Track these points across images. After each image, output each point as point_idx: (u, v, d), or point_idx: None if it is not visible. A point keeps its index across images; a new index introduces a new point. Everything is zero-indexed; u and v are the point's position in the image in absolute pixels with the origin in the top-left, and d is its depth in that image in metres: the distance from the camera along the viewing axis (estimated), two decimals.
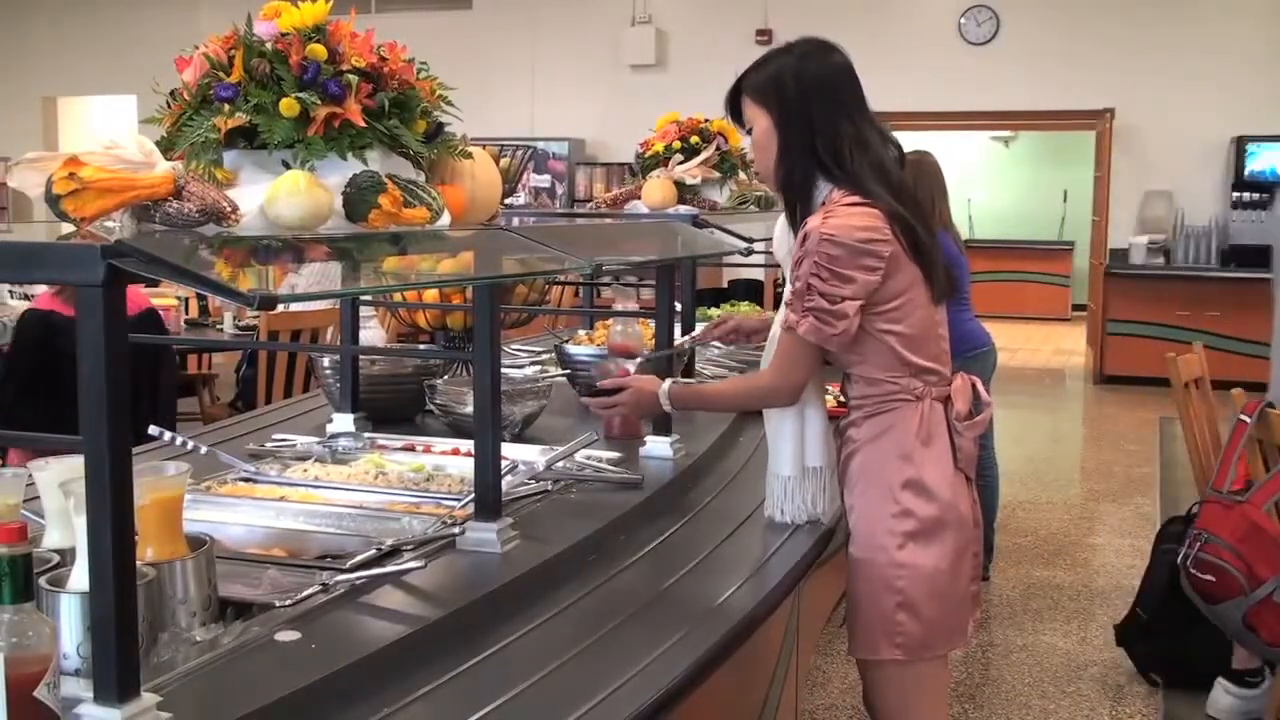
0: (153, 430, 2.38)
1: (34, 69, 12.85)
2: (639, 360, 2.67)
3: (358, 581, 1.79)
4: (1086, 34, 10.35)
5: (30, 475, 1.64)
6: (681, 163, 3.74)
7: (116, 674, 1.26)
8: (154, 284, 2.71)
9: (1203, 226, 10.10)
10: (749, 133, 2.27)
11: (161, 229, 1.54)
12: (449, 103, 1.96)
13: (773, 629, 2.30)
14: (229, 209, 1.57)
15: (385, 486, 2.39)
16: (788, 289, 2.21)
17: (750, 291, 8.93)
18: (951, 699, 3.70)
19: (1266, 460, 3.41)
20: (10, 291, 6.60)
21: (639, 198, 3.73)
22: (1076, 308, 14.20)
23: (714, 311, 2.75)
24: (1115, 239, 10.36)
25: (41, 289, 4.85)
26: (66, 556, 1.53)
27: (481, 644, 1.72)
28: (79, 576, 1.39)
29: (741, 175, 3.94)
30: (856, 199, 2.13)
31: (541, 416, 2.99)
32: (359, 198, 1.72)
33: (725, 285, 9.99)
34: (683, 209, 3.64)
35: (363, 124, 1.75)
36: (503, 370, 2.28)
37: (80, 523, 1.32)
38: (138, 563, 1.35)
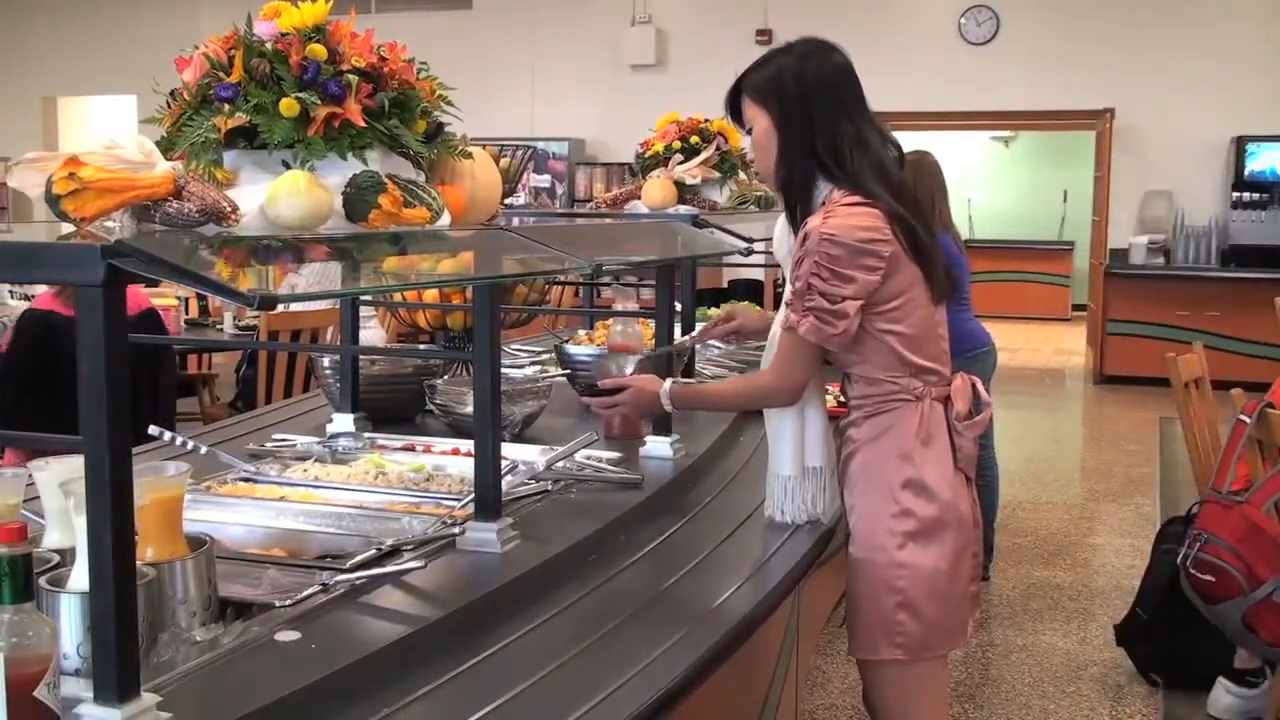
0: (153, 430, 2.38)
1: (34, 69, 12.85)
2: (638, 359, 2.67)
3: (358, 581, 1.79)
4: (1086, 34, 10.35)
5: (30, 475, 1.64)
6: (681, 163, 3.74)
7: (116, 674, 1.26)
8: (154, 284, 2.71)
9: (1203, 226, 10.10)
10: (749, 133, 2.27)
11: (161, 229, 1.54)
12: (449, 103, 1.96)
13: (773, 629, 2.30)
14: (229, 209, 1.57)
15: (385, 486, 2.39)
16: (788, 289, 2.21)
17: (750, 291, 8.93)
18: (951, 699, 3.70)
19: (1266, 460, 3.41)
20: (10, 291, 6.60)
21: (639, 198, 3.73)
22: (1076, 308, 14.20)
23: (714, 311, 2.75)
24: (1115, 239, 10.36)
25: (41, 289, 4.85)
26: (66, 556, 1.53)
27: (481, 644, 1.72)
28: (79, 576, 1.39)
29: (741, 175, 3.94)
30: (857, 199, 2.13)
31: (541, 416, 2.99)
32: (359, 198, 1.72)
33: (725, 285, 10.00)
34: (683, 209, 3.64)
35: (363, 124, 1.75)
36: (503, 370, 2.28)
37: (80, 523, 1.32)
38: (138, 563, 1.35)
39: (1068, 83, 10.34)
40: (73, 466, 1.52)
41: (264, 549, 2.06)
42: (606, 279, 4.12)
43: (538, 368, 3.63)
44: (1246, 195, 10.03)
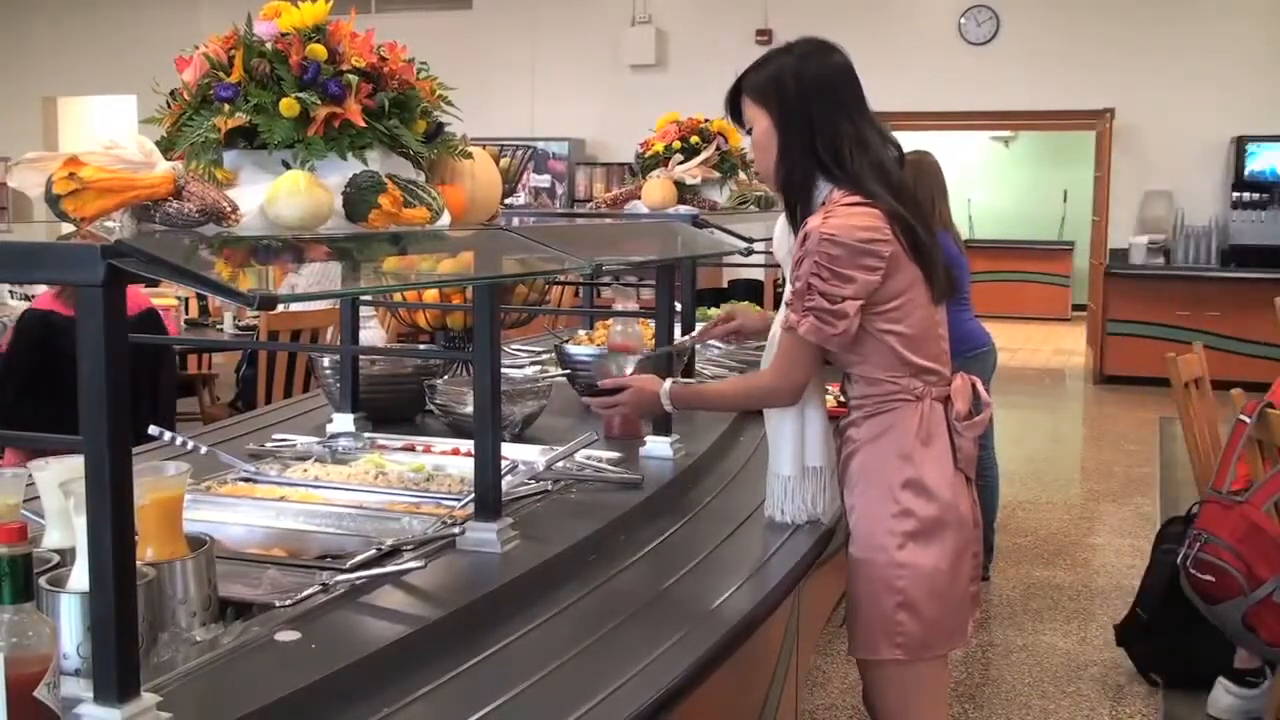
0: (153, 430, 2.38)
1: (34, 69, 12.85)
2: (638, 359, 2.67)
3: (358, 581, 1.79)
4: (1086, 34, 10.35)
5: (30, 475, 1.64)
6: (681, 163, 3.74)
7: (116, 674, 1.26)
8: (154, 284, 2.71)
9: (1203, 226, 10.10)
10: (749, 133, 2.27)
11: (161, 229, 1.54)
12: (449, 103, 1.96)
13: (773, 629, 2.30)
14: (229, 209, 1.57)
15: (385, 486, 2.39)
16: (788, 289, 2.21)
17: (750, 291, 8.93)
18: (951, 699, 3.70)
19: (1266, 460, 3.41)
20: (10, 291, 6.60)
21: (639, 198, 3.73)
22: (1076, 308, 14.20)
23: (713, 311, 2.75)
24: (1115, 239, 10.36)
25: (41, 289, 4.85)
26: (66, 556, 1.53)
27: (481, 644, 1.72)
28: (79, 576, 1.39)
29: (741, 175, 3.94)
30: (857, 199, 2.13)
31: (541, 416, 2.99)
32: (359, 198, 1.72)
33: (725, 285, 10.00)
34: (683, 209, 3.64)
35: (363, 124, 1.75)
36: (503, 370, 2.28)
37: (80, 523, 1.32)
38: (138, 563, 1.35)
39: (1068, 83, 10.34)
40: (73, 466, 1.52)
41: (264, 549, 2.06)
42: (606, 279, 4.12)
43: (538, 368, 3.63)
44: (1246, 195, 10.03)
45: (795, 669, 2.65)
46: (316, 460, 2.59)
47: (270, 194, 1.65)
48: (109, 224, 1.51)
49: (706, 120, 3.92)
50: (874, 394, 2.21)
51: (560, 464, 2.47)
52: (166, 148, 1.73)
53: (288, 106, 1.70)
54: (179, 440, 2.43)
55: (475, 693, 1.57)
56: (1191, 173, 10.24)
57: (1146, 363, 8.93)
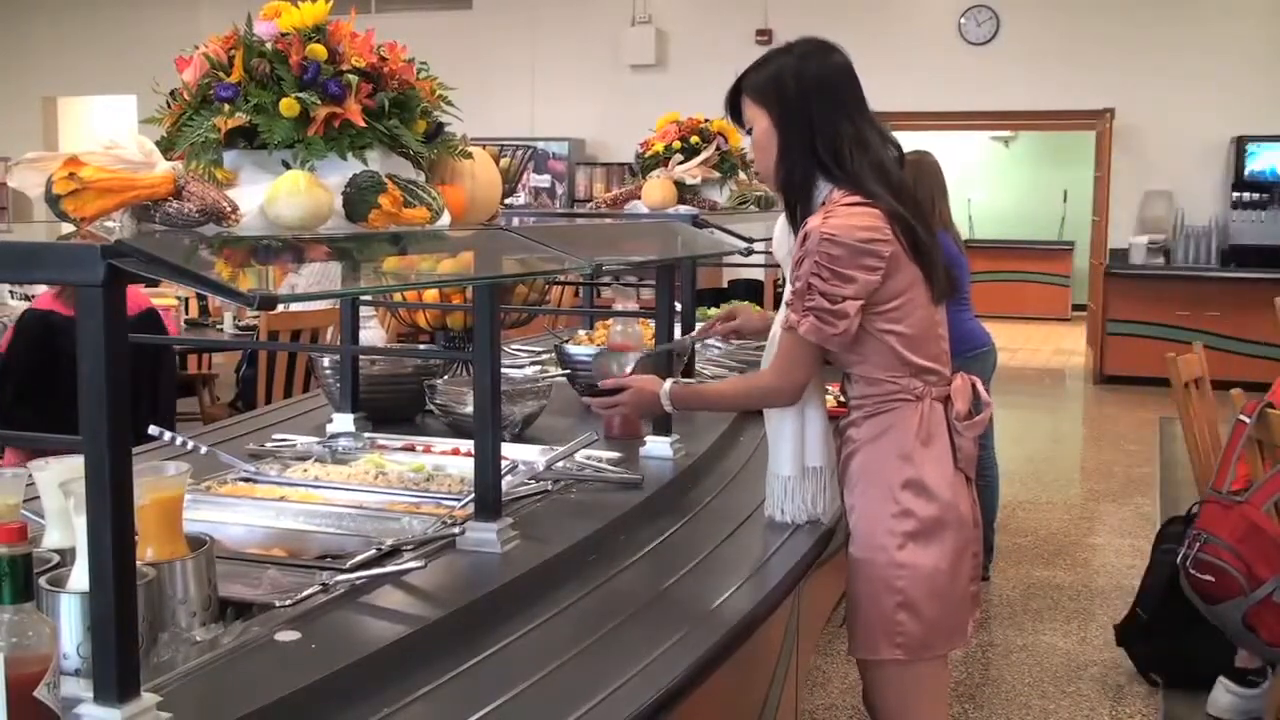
0: (153, 430, 2.38)
1: (34, 69, 12.85)
2: (638, 357, 2.67)
3: (358, 581, 1.79)
4: (1086, 34, 10.36)
5: (30, 475, 1.64)
6: (681, 163, 3.74)
7: (116, 674, 1.26)
8: (154, 284, 2.71)
9: (1203, 226, 10.10)
10: (749, 133, 2.27)
11: (161, 229, 1.54)
12: (449, 103, 1.96)
13: (773, 629, 2.30)
14: (229, 209, 1.57)
15: (385, 486, 2.39)
16: (788, 289, 2.21)
17: (750, 291, 8.93)
18: (951, 699, 3.70)
19: (1266, 460, 3.41)
20: (10, 292, 6.61)
21: (639, 198, 3.73)
22: (1076, 308, 14.20)
23: (713, 311, 2.76)
24: (1115, 239, 10.36)
25: (41, 289, 4.85)
26: (66, 556, 1.53)
27: (481, 644, 1.72)
28: (79, 576, 1.39)
29: (741, 175, 3.94)
30: (857, 199, 2.13)
31: (541, 416, 2.99)
32: (359, 198, 1.72)
33: (725, 285, 10.00)
34: (683, 209, 3.64)
35: (363, 124, 1.75)
36: (503, 370, 2.28)
37: (80, 523, 1.32)
38: (138, 563, 1.35)
39: (1068, 83, 10.34)
40: (73, 466, 1.52)
41: (264, 549, 2.06)
42: (606, 279, 4.12)
43: (538, 368, 3.63)
44: (1246, 195, 10.04)
45: (795, 669, 2.65)
46: (316, 460, 2.59)
47: (270, 194, 1.65)
48: (109, 224, 1.51)
49: (706, 120, 3.92)
50: (874, 394, 2.21)
51: (560, 464, 2.47)
52: (166, 148, 1.73)
53: (288, 106, 1.70)
54: (179, 440, 2.43)
55: (475, 693, 1.57)
56: (1191, 173, 10.25)
57: (1146, 363, 8.93)
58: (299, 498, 2.31)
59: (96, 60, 12.43)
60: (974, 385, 2.28)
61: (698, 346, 3.81)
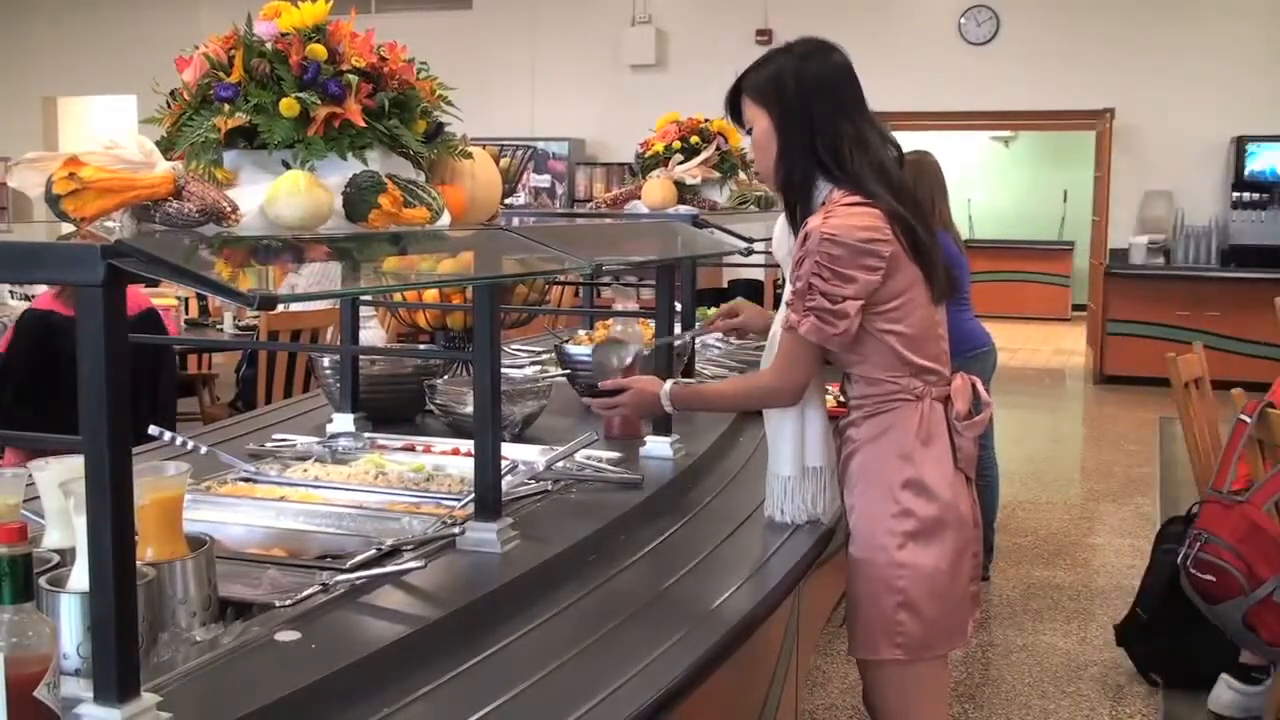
0: (153, 430, 2.38)
1: (34, 69, 12.85)
2: (637, 348, 2.67)
3: (358, 581, 1.79)
4: (1086, 34, 10.36)
5: (30, 475, 1.64)
6: (681, 163, 3.73)
7: (116, 674, 1.26)
8: (154, 284, 2.71)
9: (1203, 226, 10.11)
10: (749, 133, 2.27)
11: (161, 229, 1.54)
12: (449, 103, 1.96)
13: (773, 629, 2.30)
14: (229, 209, 1.57)
15: (385, 486, 2.39)
16: (788, 289, 2.21)
17: (750, 291, 8.92)
18: (951, 699, 3.70)
19: (1267, 460, 3.42)
20: (10, 292, 6.61)
21: (639, 198, 3.73)
22: (1076, 308, 14.20)
23: (713, 312, 2.76)
24: (1115, 239, 10.36)
25: (41, 289, 4.85)
26: (66, 556, 1.53)
27: (481, 644, 1.72)
28: (79, 576, 1.39)
29: (741, 175, 3.94)
30: (857, 199, 2.13)
31: (541, 416, 2.99)
32: (359, 198, 1.72)
33: (725, 285, 9.99)
34: (683, 209, 3.64)
35: (363, 124, 1.75)
36: (503, 370, 2.28)
37: (80, 523, 1.32)
38: (138, 563, 1.35)
39: (1068, 83, 10.35)
40: (73, 466, 1.52)
41: (264, 549, 2.06)
42: (606, 279, 4.12)
43: (538, 368, 3.62)
44: (1246, 195, 10.04)
45: (795, 669, 2.65)
46: (316, 460, 2.59)
47: (270, 194, 1.65)
48: (109, 224, 1.51)
49: (706, 120, 3.92)
50: (874, 394, 2.21)
51: (560, 464, 2.47)
52: (166, 148, 1.73)
53: (288, 106, 1.70)
54: (179, 440, 2.43)
55: (475, 693, 1.57)
56: (1191, 173, 10.25)
57: (1146, 363, 8.93)
58: (299, 498, 2.31)
59: (96, 60, 12.43)
60: (974, 385, 2.28)
61: (698, 346, 3.81)
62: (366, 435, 2.80)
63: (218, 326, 6.53)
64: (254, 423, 3.14)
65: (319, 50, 1.74)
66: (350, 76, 1.75)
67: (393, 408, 3.05)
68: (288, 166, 1.72)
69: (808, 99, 2.17)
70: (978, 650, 4.21)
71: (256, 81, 1.73)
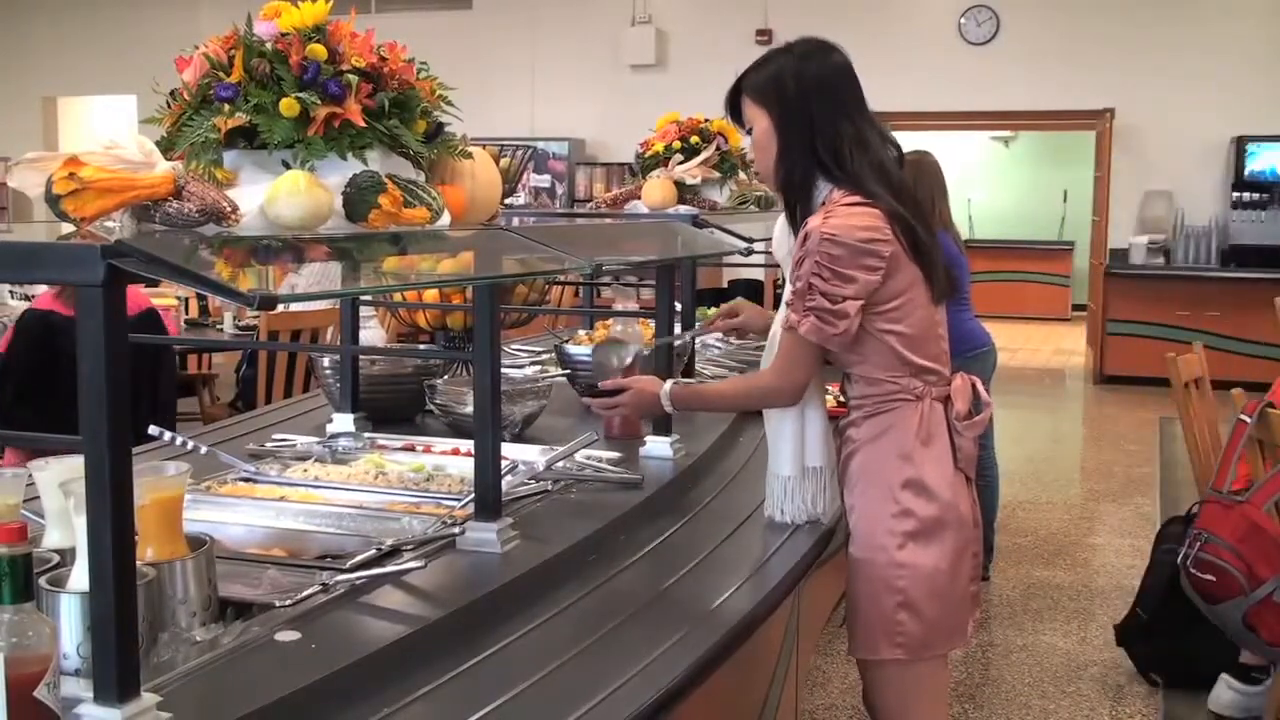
0: (153, 430, 2.38)
1: (34, 69, 12.85)
2: (637, 350, 2.66)
3: (358, 581, 1.79)
4: (1086, 34, 10.36)
5: (30, 475, 1.64)
6: (681, 163, 3.73)
7: (116, 674, 1.26)
8: (154, 284, 2.71)
9: (1203, 226, 10.11)
10: (749, 133, 2.27)
11: (161, 229, 1.54)
12: (449, 103, 1.96)
13: (773, 629, 2.30)
14: (229, 209, 1.57)
15: (385, 486, 2.39)
16: (788, 289, 2.21)
17: (750, 291, 8.92)
18: (951, 699, 3.70)
19: (1267, 460, 3.41)
20: (10, 291, 6.61)
21: (639, 198, 3.73)
22: (1076, 308, 14.20)
23: (713, 312, 2.77)
24: (1115, 239, 10.36)
25: (41, 289, 4.85)
26: (66, 556, 1.53)
27: (481, 644, 1.72)
28: (79, 576, 1.39)
29: (741, 175, 3.94)
30: (857, 199, 2.13)
31: (541, 416, 2.99)
32: (359, 198, 1.72)
33: (725, 285, 9.99)
34: (683, 209, 3.64)
35: (363, 124, 1.75)
36: (503, 370, 2.28)
37: (80, 523, 1.32)
38: (138, 563, 1.35)
39: (1068, 83, 10.35)
40: (73, 466, 1.52)
41: (264, 549, 2.06)
42: (606, 279, 4.12)
43: (538, 368, 3.62)
44: (1246, 195, 10.04)
45: (795, 669, 2.65)
46: (316, 460, 2.59)
47: (270, 194, 1.65)
48: (109, 224, 1.51)
49: (706, 120, 3.92)
50: (874, 394, 2.21)
51: (560, 464, 2.47)
52: (166, 148, 1.73)
53: (288, 106, 1.70)
54: (179, 440, 2.43)
55: (475, 693, 1.57)
56: (1191, 173, 10.25)
57: (1146, 363, 8.93)
58: (299, 498, 2.31)
59: (96, 60, 12.43)
60: (974, 385, 2.28)
61: (698, 346, 3.81)
62: (366, 435, 2.80)
63: (218, 326, 6.53)
64: (254, 423, 3.14)
65: (319, 50, 1.74)
66: (350, 76, 1.75)
67: (393, 408, 3.05)
68: (288, 166, 1.72)
69: (808, 99, 2.17)
70: (978, 650, 4.21)
71: (256, 81, 1.73)
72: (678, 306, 3.04)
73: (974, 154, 15.36)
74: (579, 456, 2.53)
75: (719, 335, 3.48)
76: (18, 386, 4.41)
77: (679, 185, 3.70)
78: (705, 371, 3.81)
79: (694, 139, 3.83)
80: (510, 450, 2.49)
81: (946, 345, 2.27)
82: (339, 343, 3.31)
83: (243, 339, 6.31)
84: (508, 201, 2.80)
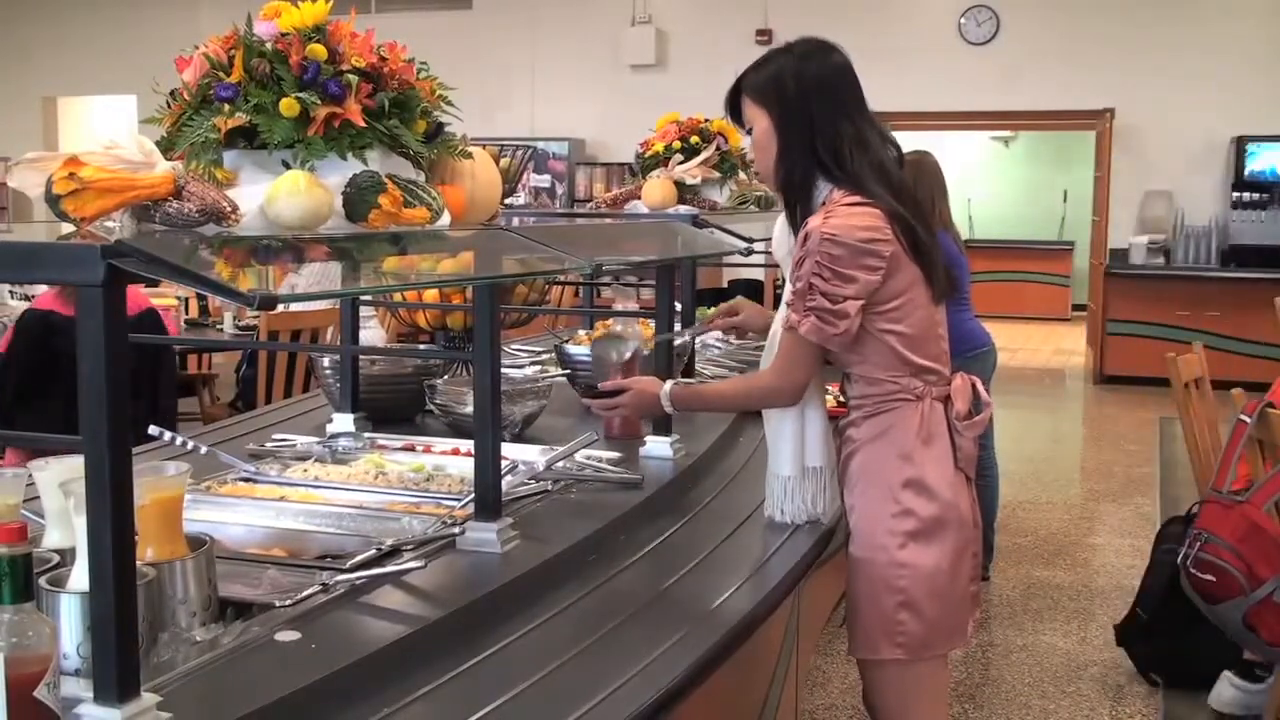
0: (153, 430, 2.38)
1: (34, 69, 12.85)
2: (636, 344, 2.66)
3: (358, 581, 1.79)
4: (1086, 34, 10.36)
5: (30, 475, 1.64)
6: (681, 163, 3.73)
7: (116, 674, 1.26)
8: (154, 284, 2.71)
9: (1203, 226, 10.11)
10: (749, 133, 2.27)
11: (161, 229, 1.54)
12: (449, 103, 1.96)
13: (773, 629, 2.30)
14: (229, 209, 1.57)
15: (385, 486, 2.39)
16: (788, 289, 2.21)
17: (750, 291, 8.91)
18: (951, 699, 3.70)
19: (1267, 460, 3.41)
20: (10, 291, 6.61)
21: (639, 198, 3.73)
22: (1076, 308, 14.20)
23: (713, 312, 2.77)
24: (1115, 239, 10.36)
25: (41, 289, 4.85)
26: (66, 556, 1.53)
27: (481, 644, 1.72)
28: (79, 576, 1.39)
29: (741, 175, 3.94)
30: (857, 199, 2.13)
31: (541, 416, 2.99)
32: (359, 198, 1.72)
33: (725, 285, 9.99)
34: (683, 209, 3.64)
35: (363, 124, 1.75)
36: (503, 370, 2.28)
37: (80, 523, 1.32)
38: (138, 563, 1.35)
39: (1068, 83, 10.35)
40: (73, 466, 1.52)
41: (264, 549, 2.06)
42: (606, 279, 4.12)
43: (538, 368, 3.62)
44: (1246, 195, 10.04)
45: (795, 669, 2.65)
46: (316, 460, 2.59)
47: (270, 194, 1.65)
48: (109, 224, 1.51)
49: (706, 120, 3.92)
50: (874, 394, 2.21)
51: (560, 464, 2.47)
52: (166, 148, 1.73)
53: (288, 106, 1.70)
54: (179, 440, 2.43)
55: (475, 693, 1.57)
56: (1191, 173, 10.25)
57: (1146, 363, 8.93)
58: (299, 498, 2.31)
59: (96, 60, 12.43)
60: (974, 385, 2.29)
61: (698, 346, 3.81)
62: (366, 435, 2.80)
63: (218, 326, 6.53)
64: (254, 423, 3.14)
65: (319, 50, 1.74)
66: (350, 76, 1.75)
67: (393, 408, 3.05)
68: (288, 166, 1.72)
69: (808, 99, 2.17)
70: (978, 650, 4.21)
71: (256, 81, 1.73)
72: (678, 306, 3.04)
73: (974, 154, 15.36)
74: (579, 456, 2.53)
75: (719, 335, 3.48)
76: (18, 386, 4.41)
77: (679, 185, 3.70)
78: (705, 371, 3.81)
79: (694, 139, 3.83)
80: (510, 450, 2.49)
81: (946, 345, 2.27)
82: (339, 343, 3.31)
83: (243, 339, 6.32)
84: (508, 201, 2.80)
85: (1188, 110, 10.13)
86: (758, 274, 8.95)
